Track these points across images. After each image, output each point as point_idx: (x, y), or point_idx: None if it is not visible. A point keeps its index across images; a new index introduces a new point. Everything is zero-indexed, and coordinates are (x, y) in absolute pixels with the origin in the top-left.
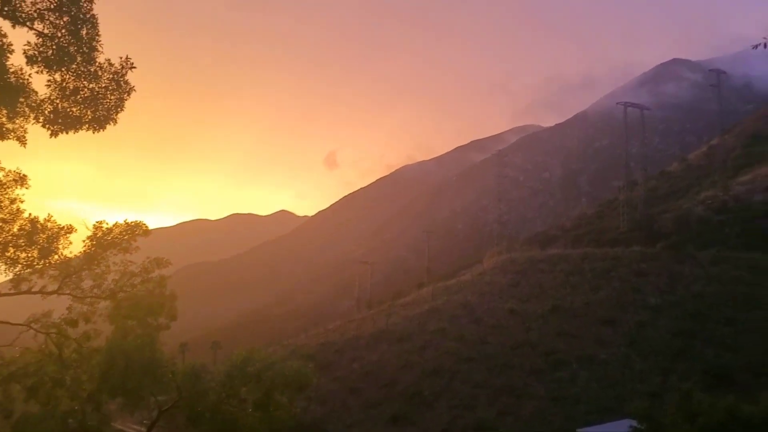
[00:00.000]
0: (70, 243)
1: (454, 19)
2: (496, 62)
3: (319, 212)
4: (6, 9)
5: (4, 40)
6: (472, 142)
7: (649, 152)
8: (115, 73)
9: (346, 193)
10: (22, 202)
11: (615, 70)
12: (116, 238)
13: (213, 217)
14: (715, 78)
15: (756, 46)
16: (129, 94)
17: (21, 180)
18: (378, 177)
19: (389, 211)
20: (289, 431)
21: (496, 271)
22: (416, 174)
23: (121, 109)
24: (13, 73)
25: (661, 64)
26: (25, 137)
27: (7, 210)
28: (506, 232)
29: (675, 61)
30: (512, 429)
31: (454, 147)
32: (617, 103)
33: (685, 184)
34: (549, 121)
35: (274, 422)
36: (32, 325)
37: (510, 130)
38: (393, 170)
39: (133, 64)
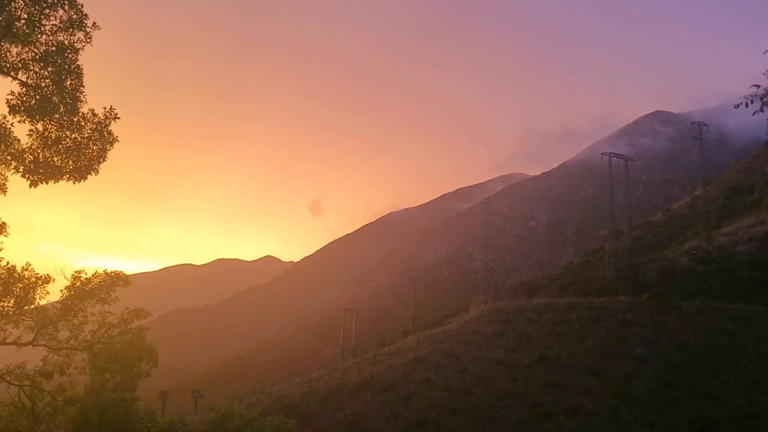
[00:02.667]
0: (47, 293)
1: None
2: (477, 113)
3: (305, 258)
4: None
5: None
6: (457, 190)
7: (633, 202)
8: (99, 123)
9: (331, 240)
10: (0, 249)
11: (592, 122)
12: (95, 288)
13: (198, 262)
14: (696, 130)
15: (737, 106)
16: (112, 145)
17: (0, 228)
18: (363, 224)
19: (374, 257)
20: None
21: (482, 320)
22: (401, 221)
23: (104, 160)
24: None
25: (641, 117)
26: (5, 185)
27: None
28: (492, 279)
29: (652, 115)
30: None
31: (439, 195)
32: (602, 154)
33: (669, 233)
34: (530, 170)
35: None
36: (5, 377)
37: (495, 178)
38: (378, 217)
39: (116, 114)
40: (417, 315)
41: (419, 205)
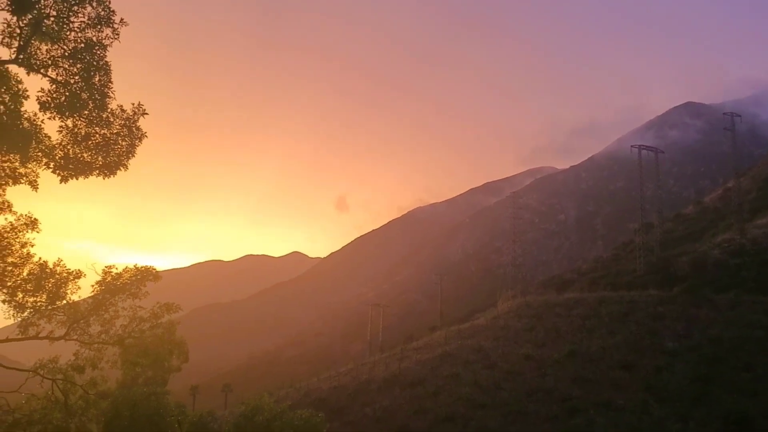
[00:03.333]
0: (79, 288)
1: (462, 67)
2: (503, 107)
3: (332, 254)
4: (21, 57)
5: (20, 86)
6: (484, 184)
7: (664, 195)
8: (127, 119)
9: (357, 235)
10: (32, 246)
11: (620, 115)
12: (126, 282)
13: (227, 258)
14: (728, 121)
15: None
16: (141, 140)
17: (32, 224)
18: (389, 219)
19: (401, 253)
20: None
21: (511, 315)
22: (428, 216)
23: (133, 155)
24: (26, 119)
25: (671, 109)
26: (36, 182)
27: (17, 254)
28: (521, 274)
29: (682, 107)
30: None
31: (466, 189)
32: (631, 146)
33: (700, 226)
34: (558, 164)
35: None
36: (39, 371)
37: (523, 172)
38: (404, 212)
39: (145, 110)
40: (444, 310)
41: (446, 200)
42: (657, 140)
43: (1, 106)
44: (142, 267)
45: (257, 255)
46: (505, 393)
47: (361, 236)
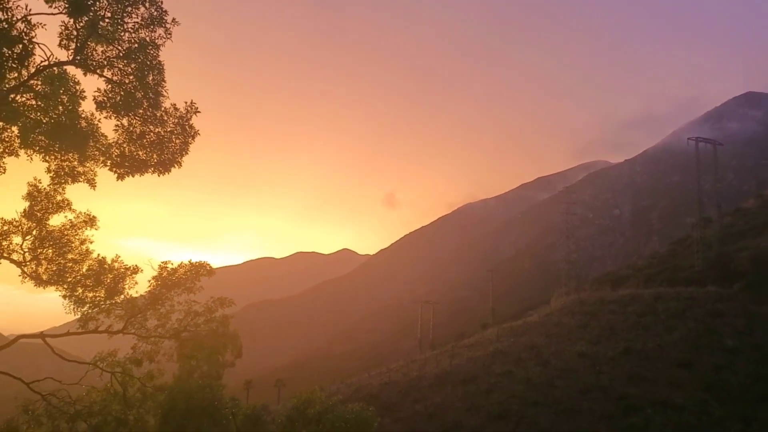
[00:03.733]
0: (136, 283)
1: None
2: (555, 101)
3: (381, 251)
4: (78, 58)
5: (77, 87)
6: (537, 179)
7: (722, 188)
8: (180, 117)
9: (406, 232)
10: (91, 242)
11: (675, 107)
12: (181, 278)
13: (278, 255)
14: None
15: None
16: (194, 138)
17: (91, 221)
18: (439, 215)
19: (451, 249)
20: None
21: (564, 312)
22: (478, 212)
23: (186, 153)
24: (84, 118)
25: (729, 100)
26: (94, 180)
27: (76, 251)
28: (574, 271)
29: (741, 97)
30: None
31: (518, 185)
32: (688, 139)
33: (762, 221)
34: (612, 158)
35: None
36: (98, 363)
37: (576, 167)
38: (454, 209)
39: (197, 108)
40: (496, 308)
41: (497, 196)
42: (715, 132)
43: (60, 107)
44: (196, 262)
45: (307, 252)
46: (558, 391)
47: (410, 233)
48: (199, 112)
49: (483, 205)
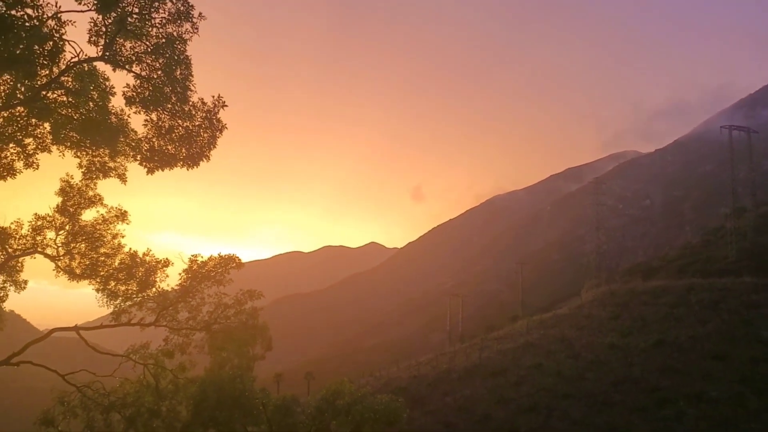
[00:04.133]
0: (167, 276)
1: (541, 49)
2: (583, 90)
3: (409, 244)
4: (107, 54)
5: (107, 83)
6: (566, 170)
7: (757, 177)
8: (208, 111)
9: (434, 225)
10: (123, 237)
11: (707, 95)
12: (210, 270)
13: (306, 249)
14: None
15: None
16: (221, 132)
17: (122, 216)
18: (467, 208)
19: (480, 242)
20: None
21: (595, 303)
22: (507, 204)
23: (214, 146)
24: (113, 114)
25: (763, 87)
26: (125, 175)
27: (109, 245)
28: (605, 263)
29: None
30: None
31: (547, 176)
32: (721, 127)
33: None
34: (642, 147)
35: None
36: (131, 356)
37: (605, 157)
38: (482, 200)
39: (224, 102)
40: (526, 300)
41: (525, 188)
42: (748, 120)
43: (91, 103)
44: (225, 255)
45: (335, 246)
46: (589, 383)
47: (438, 226)
48: (226, 105)
49: (511, 197)
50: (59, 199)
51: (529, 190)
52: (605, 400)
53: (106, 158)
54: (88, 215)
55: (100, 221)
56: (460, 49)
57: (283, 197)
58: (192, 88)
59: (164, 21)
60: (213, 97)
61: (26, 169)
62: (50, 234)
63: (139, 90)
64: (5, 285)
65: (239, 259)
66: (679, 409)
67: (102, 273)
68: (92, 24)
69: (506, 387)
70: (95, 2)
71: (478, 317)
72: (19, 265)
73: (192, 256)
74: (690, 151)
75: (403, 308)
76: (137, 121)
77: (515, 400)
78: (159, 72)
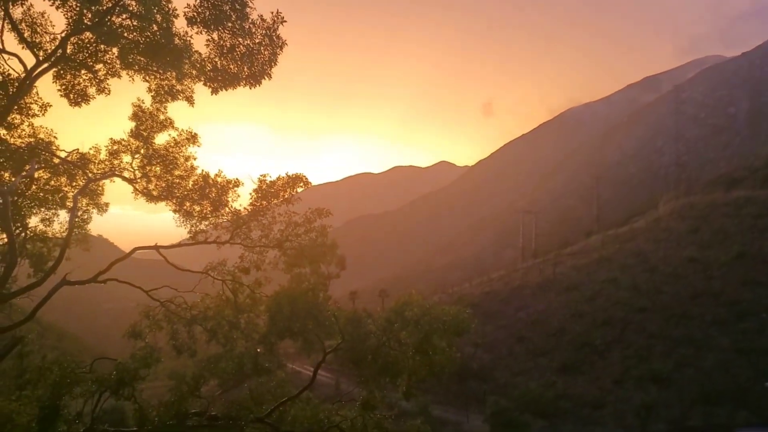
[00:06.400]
0: (239, 196)
1: None
2: None
3: (480, 161)
4: None
5: (169, 5)
6: (643, 79)
7: None
8: (268, 28)
9: (506, 141)
10: (195, 159)
11: None
12: (279, 189)
13: (376, 171)
14: None
15: None
16: (281, 49)
17: (193, 138)
18: (539, 122)
19: (553, 157)
20: (452, 375)
21: (674, 216)
22: (581, 117)
23: (275, 64)
24: (177, 36)
25: None
26: (192, 97)
27: (182, 167)
28: (684, 174)
29: None
30: (692, 381)
31: (623, 86)
32: None
33: None
34: (725, 51)
35: (434, 365)
36: (209, 272)
37: (685, 64)
38: (556, 114)
39: (284, 18)
40: (601, 215)
41: (601, 99)
42: None
43: (154, 26)
44: (293, 174)
45: (405, 166)
46: (666, 296)
47: (510, 142)
48: (285, 22)
49: (586, 109)
50: (132, 124)
51: (604, 102)
52: (683, 313)
53: (174, 81)
54: (161, 139)
55: (172, 144)
56: None
57: (351, 118)
58: (251, 4)
59: None
60: (272, 13)
61: (99, 94)
62: (126, 158)
63: (199, 10)
64: (88, 208)
65: (306, 179)
66: (760, 322)
67: (177, 194)
68: None
69: (580, 301)
70: None
71: (552, 234)
72: (100, 188)
73: (261, 175)
74: None
75: (475, 227)
76: (199, 42)
77: (590, 314)
78: None
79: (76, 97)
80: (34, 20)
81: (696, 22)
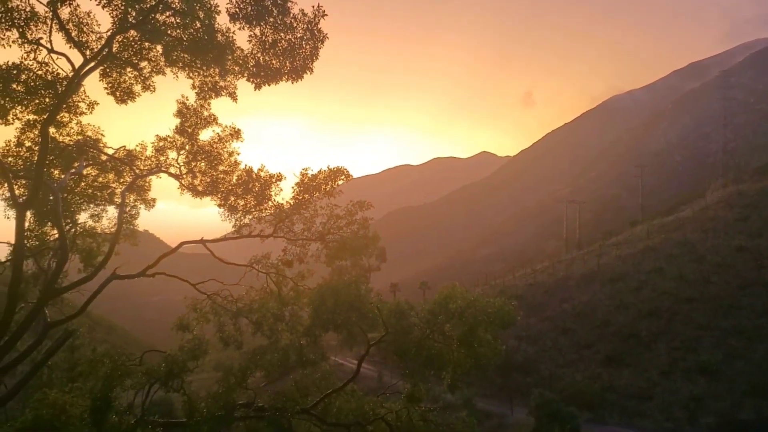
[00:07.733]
0: (281, 190)
1: None
2: None
3: (522, 151)
4: None
5: (212, 2)
6: (689, 65)
7: None
8: (309, 22)
9: (548, 131)
10: (238, 154)
11: None
12: (321, 183)
13: (415, 162)
14: None
15: None
16: (323, 42)
17: (236, 134)
18: (582, 111)
19: (596, 146)
20: (496, 368)
21: (722, 205)
22: (625, 104)
23: (316, 58)
24: (219, 32)
25: None
26: (235, 93)
27: (226, 162)
28: (733, 161)
29: None
30: (742, 373)
31: (668, 72)
32: None
33: None
34: None
35: (479, 358)
36: (254, 265)
37: (733, 48)
38: (598, 102)
39: (324, 12)
40: (646, 204)
41: (644, 86)
42: None
43: (197, 23)
44: (334, 168)
45: (445, 157)
46: (714, 287)
47: (551, 131)
48: (326, 15)
49: (630, 97)
50: (177, 121)
51: (648, 89)
52: (732, 304)
53: (217, 77)
54: (205, 135)
55: (216, 140)
56: None
57: (389, 110)
58: None
59: None
60: (313, 7)
61: (144, 92)
62: (172, 154)
63: (241, 5)
64: (136, 204)
65: (347, 171)
66: None
67: (222, 189)
68: None
69: (626, 292)
70: None
71: (596, 223)
72: (147, 184)
73: (303, 169)
74: None
75: (517, 217)
76: (241, 38)
77: (635, 305)
78: None
79: (122, 94)
80: (81, 20)
81: (742, 5)
